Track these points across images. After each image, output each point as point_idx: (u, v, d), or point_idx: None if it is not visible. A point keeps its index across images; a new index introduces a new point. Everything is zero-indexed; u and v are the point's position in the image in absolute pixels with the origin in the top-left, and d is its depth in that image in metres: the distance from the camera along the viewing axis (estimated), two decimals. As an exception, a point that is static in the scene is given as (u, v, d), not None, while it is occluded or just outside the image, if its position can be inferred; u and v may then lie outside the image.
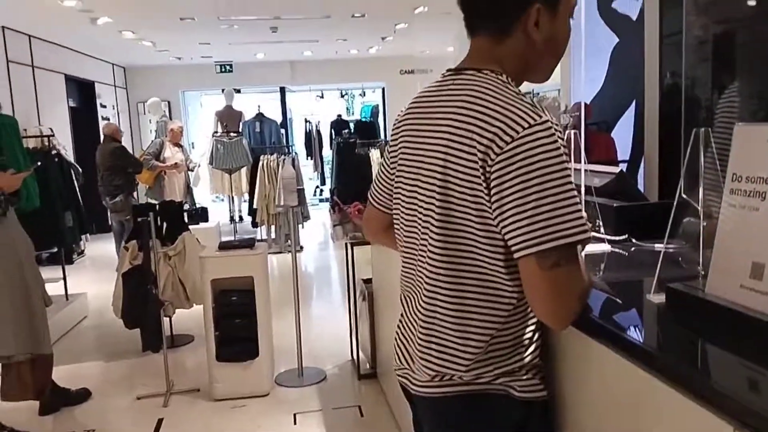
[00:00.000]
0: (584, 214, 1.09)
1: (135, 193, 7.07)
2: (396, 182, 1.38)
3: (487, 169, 1.12)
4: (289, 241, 6.27)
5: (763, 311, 1.02)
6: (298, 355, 4.06)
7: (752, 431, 0.82)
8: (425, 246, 1.27)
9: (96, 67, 10.39)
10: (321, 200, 12.27)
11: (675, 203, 1.25)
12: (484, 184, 1.13)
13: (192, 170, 7.90)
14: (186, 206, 6.85)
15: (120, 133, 7.10)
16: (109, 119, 10.54)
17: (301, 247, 8.32)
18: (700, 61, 2.58)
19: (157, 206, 4.50)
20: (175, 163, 7.42)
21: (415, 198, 1.29)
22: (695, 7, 2.56)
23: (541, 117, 1.10)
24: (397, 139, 1.39)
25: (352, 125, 12.56)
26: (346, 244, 4.18)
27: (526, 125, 1.09)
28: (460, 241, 1.20)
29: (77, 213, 5.79)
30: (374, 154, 8.44)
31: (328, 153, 12.09)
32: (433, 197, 1.22)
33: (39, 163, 4.74)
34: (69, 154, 7.65)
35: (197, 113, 13.28)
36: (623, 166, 4.73)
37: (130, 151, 7.64)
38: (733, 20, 2.34)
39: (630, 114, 5.15)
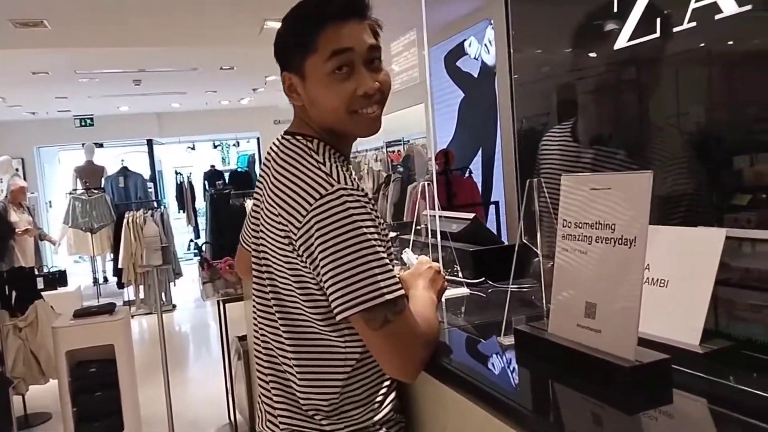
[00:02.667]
0: (391, 271, 1.13)
1: (15, 257, 6.43)
2: (255, 226, 1.35)
3: (294, 243, 1.16)
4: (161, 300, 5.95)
5: (598, 348, 1.07)
6: (169, 424, 3.80)
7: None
8: (265, 303, 1.29)
9: (-64, 124, 9.52)
10: (195, 254, 11.81)
11: (516, 248, 1.31)
12: (296, 254, 1.17)
13: (42, 238, 7.32)
14: (44, 270, 6.35)
15: None
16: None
17: (174, 306, 7.93)
18: (543, 109, 2.77)
19: (5, 274, 4.12)
20: (26, 229, 6.86)
21: (258, 252, 1.31)
22: (536, 59, 2.75)
23: (332, 186, 1.13)
24: (259, 187, 1.36)
25: (227, 176, 12.30)
26: (218, 301, 4.02)
27: (318, 196, 1.12)
28: (289, 306, 1.23)
29: None
30: (249, 205, 8.27)
31: (202, 205, 11.73)
32: (264, 263, 1.27)
33: None
34: None
35: (55, 170, 12.44)
36: (490, 208, 5.01)
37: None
38: (574, 71, 2.54)
39: (477, 160, 5.62)
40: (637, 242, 1.02)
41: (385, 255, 1.14)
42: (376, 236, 1.13)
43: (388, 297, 1.10)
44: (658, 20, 1.80)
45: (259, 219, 1.29)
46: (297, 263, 1.17)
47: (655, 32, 1.81)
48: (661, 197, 1.86)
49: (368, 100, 1.19)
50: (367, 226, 1.12)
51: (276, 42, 1.24)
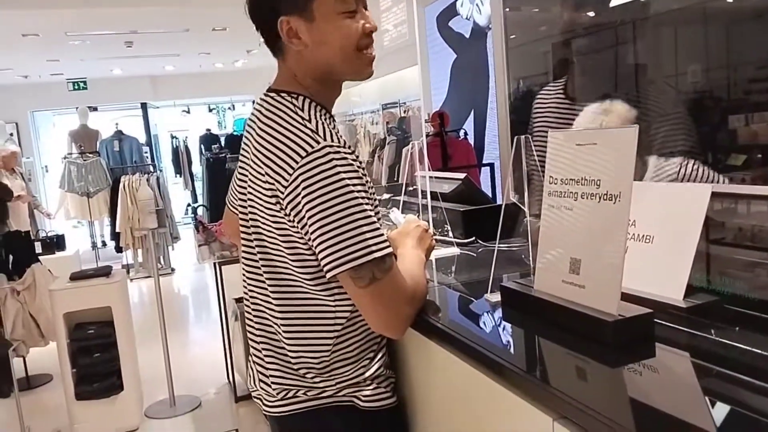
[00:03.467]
0: (379, 229, 1.14)
1: (9, 222, 6.42)
2: (242, 188, 1.35)
3: (281, 202, 1.16)
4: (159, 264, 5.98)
5: (582, 303, 1.08)
6: (168, 384, 3.86)
7: (568, 422, 0.86)
8: (254, 265, 1.29)
9: (-73, 88, 9.40)
10: (193, 218, 11.81)
11: (503, 206, 1.31)
12: (283, 213, 1.16)
13: (36, 207, 7.30)
14: (41, 234, 6.36)
15: None
16: (-54, 145, 9.58)
17: (173, 269, 7.97)
18: (541, 71, 2.74)
19: (1, 238, 4.13)
20: (20, 195, 6.84)
21: (245, 213, 1.30)
22: (530, 18, 2.72)
23: (318, 143, 1.12)
24: (242, 152, 1.35)
25: (222, 139, 12.22)
26: (214, 263, 4.04)
27: (304, 153, 1.12)
28: (279, 266, 1.23)
29: None
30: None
31: (198, 169, 11.67)
32: (252, 223, 1.26)
33: None
34: None
35: (50, 134, 12.34)
36: (486, 170, 5.00)
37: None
38: (570, 32, 2.51)
39: (470, 122, 5.61)
40: (622, 198, 1.02)
41: (372, 213, 1.14)
42: (363, 194, 1.13)
43: (376, 255, 1.11)
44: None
45: (246, 179, 1.29)
46: (284, 223, 1.17)
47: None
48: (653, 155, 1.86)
49: (370, 39, 1.23)
50: (354, 184, 1.12)
51: None
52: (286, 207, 1.15)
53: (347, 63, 1.22)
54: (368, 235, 1.11)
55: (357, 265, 1.10)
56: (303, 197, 1.11)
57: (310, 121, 1.17)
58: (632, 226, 1.21)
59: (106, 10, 6.29)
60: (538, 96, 2.26)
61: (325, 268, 1.13)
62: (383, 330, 1.19)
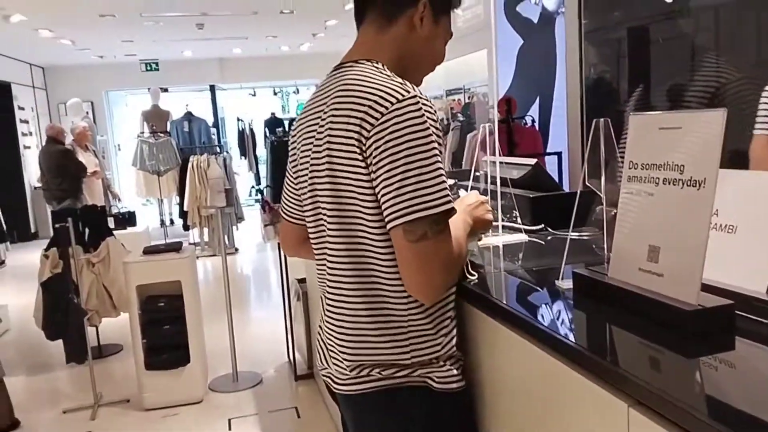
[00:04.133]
0: (447, 187, 1.14)
1: (83, 197, 6.76)
2: (299, 187, 1.37)
3: (363, 147, 1.15)
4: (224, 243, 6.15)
5: (660, 292, 1.06)
6: (232, 360, 3.98)
7: (646, 409, 0.85)
8: (325, 240, 1.29)
9: (12, 67, 9.91)
10: (257, 200, 12.07)
11: (578, 192, 1.28)
12: (364, 163, 1.16)
13: (108, 187, 7.61)
14: (114, 210, 6.64)
15: (64, 135, 6.81)
16: (27, 122, 10.08)
17: (237, 249, 8.18)
18: (614, 56, 2.67)
19: (78, 211, 4.33)
20: (94, 171, 7.14)
21: (315, 195, 1.29)
22: (610, 5, 2.65)
23: (409, 92, 1.15)
24: (294, 146, 1.38)
25: (286, 123, 12.41)
26: (278, 243, 4.13)
27: (395, 101, 1.13)
28: (354, 230, 1.22)
29: (-7, 222, 5.52)
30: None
31: (263, 152, 11.91)
32: (324, 189, 1.24)
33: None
34: (-17, 160, 7.27)
35: (123, 114, 12.83)
36: (552, 158, 4.91)
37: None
38: (647, 17, 2.43)
39: (535, 108, 5.51)
40: (707, 184, 0.99)
41: (443, 169, 1.14)
42: (440, 151, 1.15)
43: (444, 208, 1.12)
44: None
45: (308, 155, 1.28)
46: (363, 175, 1.16)
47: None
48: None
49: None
50: (435, 138, 1.14)
51: None
52: (367, 150, 1.14)
53: (423, 69, 1.36)
54: (431, 189, 1.11)
55: (412, 219, 1.11)
56: (388, 141, 1.12)
57: (395, 78, 1.20)
58: (714, 215, 1.17)
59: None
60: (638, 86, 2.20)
61: (395, 214, 1.12)
62: (416, 290, 1.18)
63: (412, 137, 1.11)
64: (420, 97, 1.15)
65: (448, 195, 1.13)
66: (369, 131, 1.14)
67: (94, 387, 3.71)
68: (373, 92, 1.16)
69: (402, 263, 1.17)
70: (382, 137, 1.12)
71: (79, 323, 3.78)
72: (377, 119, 1.13)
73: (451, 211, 1.14)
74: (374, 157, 1.14)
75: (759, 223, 1.12)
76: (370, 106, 1.14)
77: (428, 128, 1.13)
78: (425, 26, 1.29)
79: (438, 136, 1.16)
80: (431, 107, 1.17)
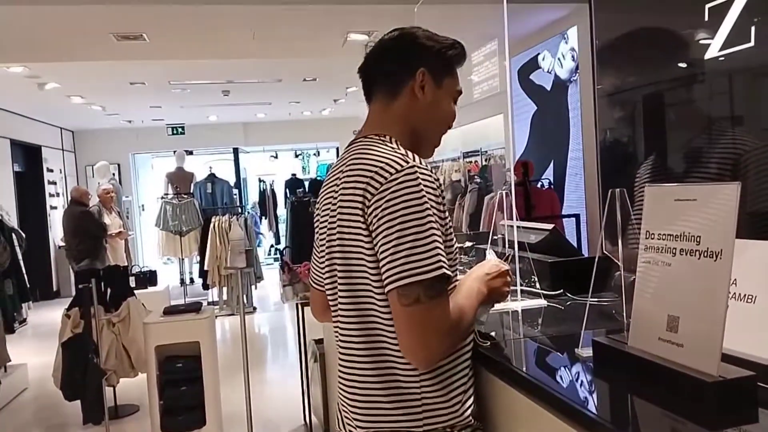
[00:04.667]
0: (441, 253, 1.16)
1: (106, 257, 6.86)
2: (320, 255, 1.42)
3: (366, 214, 1.21)
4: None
5: (680, 362, 1.05)
6: (247, 422, 3.93)
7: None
8: (338, 305, 1.33)
9: (43, 131, 10.25)
10: (276, 260, 12.14)
11: (596, 260, 1.30)
12: (367, 231, 1.21)
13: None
14: (136, 270, 6.71)
15: (88, 197, 6.97)
16: (55, 183, 10.34)
17: (255, 308, 8.18)
18: (627, 120, 2.71)
19: (101, 272, 4.39)
20: (119, 231, 7.28)
21: (332, 261, 1.34)
22: (621, 69, 2.71)
23: (408, 163, 1.20)
24: (317, 216, 1.44)
25: (306, 184, 12.61)
26: (297, 304, 4.13)
27: (393, 171, 1.19)
28: (362, 295, 1.26)
29: (18, 280, 5.59)
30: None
31: (283, 212, 12.05)
32: (337, 256, 1.30)
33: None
34: (12, 220, 7.43)
35: (148, 175, 13.13)
36: (570, 221, 4.92)
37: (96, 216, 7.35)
38: (662, 82, 2.48)
39: (549, 172, 5.59)
40: (723, 255, 1.00)
41: (438, 236, 1.17)
42: (437, 218, 1.19)
43: (435, 273, 1.14)
44: (753, 29, 1.74)
45: (326, 222, 1.35)
46: (365, 239, 1.22)
47: (749, 41, 1.75)
48: (754, 212, 1.79)
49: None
50: (431, 205, 1.18)
51: (424, 43, 1.36)
52: (369, 217, 1.20)
53: (435, 132, 1.42)
54: (424, 255, 1.14)
55: (404, 284, 1.14)
56: (385, 208, 1.17)
57: (398, 149, 1.27)
58: (733, 285, 1.17)
59: (207, 62, 6.72)
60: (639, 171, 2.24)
61: (390, 278, 1.16)
62: (409, 354, 1.20)
63: (408, 204, 1.16)
64: (418, 167, 1.20)
65: (440, 261, 1.16)
66: (370, 200, 1.20)
67: (109, 449, 3.67)
68: (375, 163, 1.22)
69: (397, 327, 1.20)
70: (380, 205, 1.18)
71: (97, 384, 3.78)
72: (377, 188, 1.20)
73: (444, 277, 1.16)
74: (374, 224, 1.19)
75: (778, 293, 1.12)
76: (371, 177, 1.21)
77: (423, 196, 1.17)
78: (428, 93, 1.36)
79: (437, 203, 1.20)
80: (430, 176, 1.21)
